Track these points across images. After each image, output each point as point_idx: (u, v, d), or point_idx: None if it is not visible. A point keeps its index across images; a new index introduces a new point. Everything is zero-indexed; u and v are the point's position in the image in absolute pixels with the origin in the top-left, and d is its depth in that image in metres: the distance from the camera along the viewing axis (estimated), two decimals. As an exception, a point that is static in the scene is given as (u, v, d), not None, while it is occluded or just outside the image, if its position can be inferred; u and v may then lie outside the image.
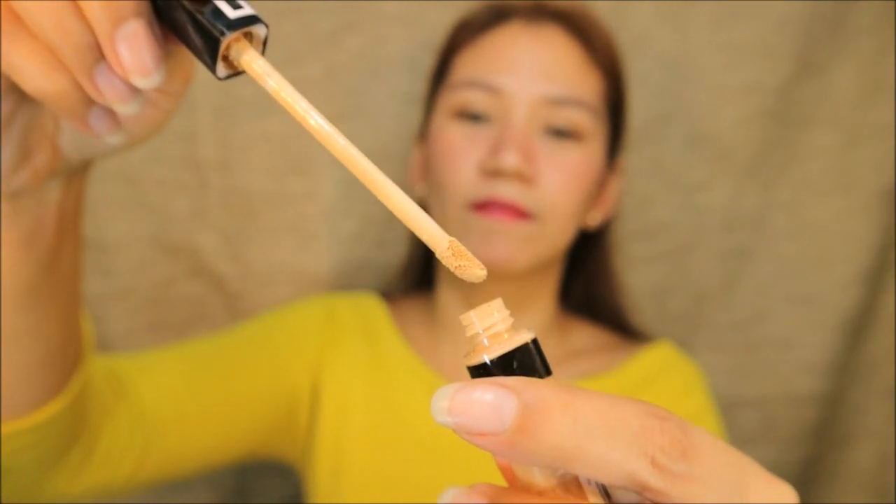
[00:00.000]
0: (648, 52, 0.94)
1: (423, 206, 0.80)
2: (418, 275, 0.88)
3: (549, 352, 0.77)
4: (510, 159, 0.69)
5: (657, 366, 0.79)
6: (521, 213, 0.71)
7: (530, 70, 0.72)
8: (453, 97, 0.74)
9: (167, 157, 0.93)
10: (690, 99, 0.95)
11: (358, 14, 0.93)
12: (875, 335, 1.02)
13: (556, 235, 0.73)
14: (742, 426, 1.01)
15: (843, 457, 1.04)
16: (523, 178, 0.70)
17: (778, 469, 1.00)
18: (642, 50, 0.94)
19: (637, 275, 0.98)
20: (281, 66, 0.96)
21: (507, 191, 0.70)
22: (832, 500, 1.05)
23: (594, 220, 0.80)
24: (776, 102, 0.95)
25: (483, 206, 0.71)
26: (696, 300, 0.99)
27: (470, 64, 0.75)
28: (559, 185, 0.72)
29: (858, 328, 1.01)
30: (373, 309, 0.82)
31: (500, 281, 0.74)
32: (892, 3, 0.95)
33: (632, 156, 0.96)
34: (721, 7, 0.94)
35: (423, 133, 0.81)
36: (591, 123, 0.73)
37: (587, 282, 0.85)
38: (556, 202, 0.72)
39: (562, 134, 0.73)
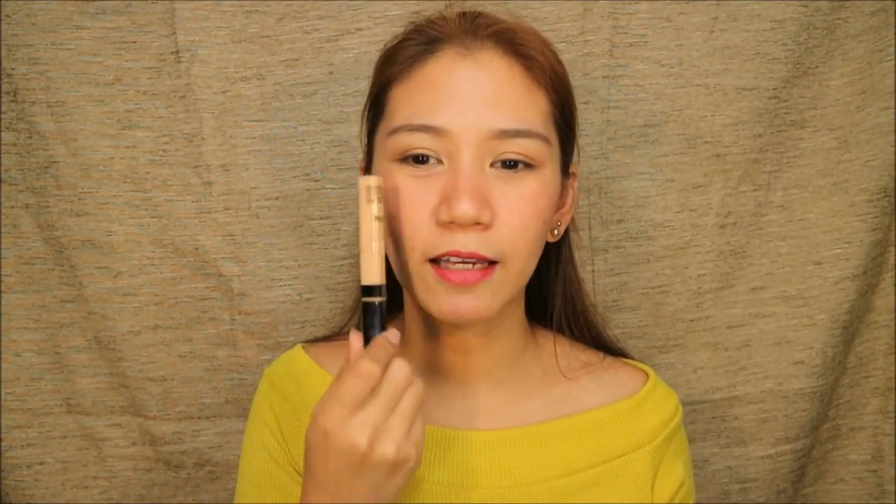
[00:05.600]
0: (645, 54, 0.95)
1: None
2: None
3: (529, 372, 0.79)
4: (464, 209, 0.66)
5: (644, 402, 0.79)
6: (483, 260, 0.68)
7: (472, 103, 0.68)
8: (395, 141, 0.70)
9: (172, 159, 0.94)
10: (686, 101, 0.96)
11: (359, 16, 0.94)
12: (868, 333, 1.04)
13: (521, 271, 0.71)
14: (738, 423, 1.02)
15: (837, 452, 1.06)
16: (480, 225, 0.67)
17: (773, 464, 1.02)
18: (639, 53, 0.95)
19: (634, 274, 0.99)
20: (284, 68, 0.98)
21: (465, 242, 0.67)
22: (827, 494, 1.06)
23: (556, 234, 0.77)
24: (770, 105, 0.96)
25: (444, 257, 0.68)
26: (692, 299, 1.00)
27: (407, 102, 0.70)
28: (518, 222, 0.69)
29: (851, 326, 1.02)
30: (315, 377, 0.80)
31: (475, 324, 0.73)
32: (885, 7, 0.96)
33: (629, 157, 0.97)
34: (716, 11, 0.95)
35: (368, 168, 0.76)
36: (541, 150, 0.70)
37: (549, 292, 0.82)
38: (517, 239, 0.69)
39: (514, 166, 0.69)
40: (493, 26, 0.72)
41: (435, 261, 0.69)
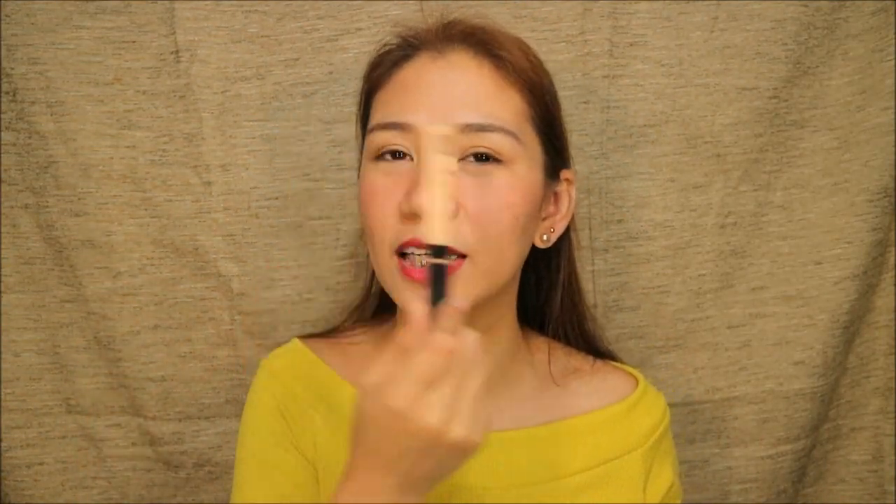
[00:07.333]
0: (645, 54, 0.95)
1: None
2: (375, 306, 0.87)
3: (520, 378, 0.79)
4: (423, 198, 0.65)
5: (636, 406, 0.80)
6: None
7: (439, 101, 0.70)
8: (370, 140, 0.72)
9: (171, 159, 0.94)
10: (686, 101, 0.96)
11: (359, 16, 0.94)
12: (868, 333, 1.03)
13: (492, 268, 0.70)
14: (738, 423, 1.01)
15: (837, 452, 1.05)
16: None
17: (773, 465, 1.02)
18: (639, 53, 0.95)
19: (634, 274, 0.99)
20: (284, 68, 0.99)
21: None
22: (827, 495, 1.06)
23: (545, 240, 0.77)
24: (770, 104, 0.96)
25: (406, 247, 0.68)
26: (692, 299, 0.99)
27: (384, 104, 0.73)
28: (484, 216, 0.69)
29: (852, 326, 1.02)
30: (316, 371, 0.80)
31: None
32: (885, 7, 0.96)
33: (629, 157, 0.97)
34: (716, 11, 0.95)
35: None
36: (511, 146, 0.70)
37: (548, 299, 0.82)
38: (484, 234, 0.69)
39: (481, 163, 0.70)
40: (465, 29, 0.74)
41: (403, 256, 0.69)
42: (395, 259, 0.70)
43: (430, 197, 0.61)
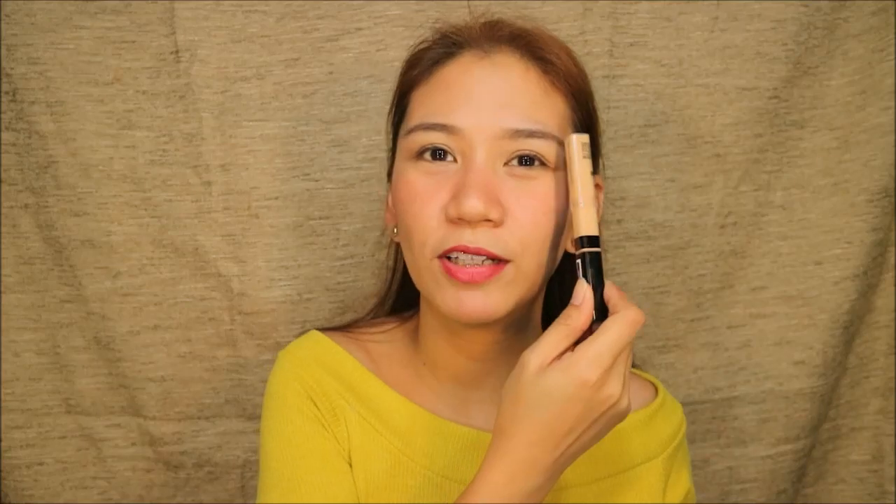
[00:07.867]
0: (645, 54, 0.95)
1: (399, 250, 0.78)
2: (394, 304, 0.85)
3: None
4: (472, 204, 0.65)
5: (657, 413, 0.80)
6: (492, 258, 0.67)
7: (486, 104, 0.69)
8: (411, 140, 0.70)
9: (171, 159, 0.94)
10: (686, 101, 0.96)
11: (359, 16, 0.94)
12: (868, 333, 1.04)
13: (533, 273, 0.70)
14: (738, 423, 1.02)
15: (837, 452, 1.06)
16: (489, 222, 0.67)
17: (773, 465, 1.02)
18: (639, 53, 0.95)
19: (634, 274, 0.99)
20: (284, 68, 0.98)
21: (472, 238, 0.67)
22: (827, 495, 1.06)
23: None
24: (770, 104, 0.96)
25: (451, 252, 0.68)
26: (692, 299, 1.00)
27: (425, 103, 0.72)
28: (529, 221, 0.68)
29: (852, 326, 1.02)
30: (342, 362, 0.78)
31: (485, 325, 0.71)
32: (885, 7, 0.96)
33: (629, 157, 0.97)
34: (716, 11, 0.95)
35: (390, 171, 0.77)
36: (556, 152, 0.69)
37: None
38: (528, 239, 0.68)
39: (526, 167, 0.69)
40: (513, 31, 0.72)
41: (445, 258, 0.68)
42: (437, 261, 0.69)
43: (585, 196, 0.67)
